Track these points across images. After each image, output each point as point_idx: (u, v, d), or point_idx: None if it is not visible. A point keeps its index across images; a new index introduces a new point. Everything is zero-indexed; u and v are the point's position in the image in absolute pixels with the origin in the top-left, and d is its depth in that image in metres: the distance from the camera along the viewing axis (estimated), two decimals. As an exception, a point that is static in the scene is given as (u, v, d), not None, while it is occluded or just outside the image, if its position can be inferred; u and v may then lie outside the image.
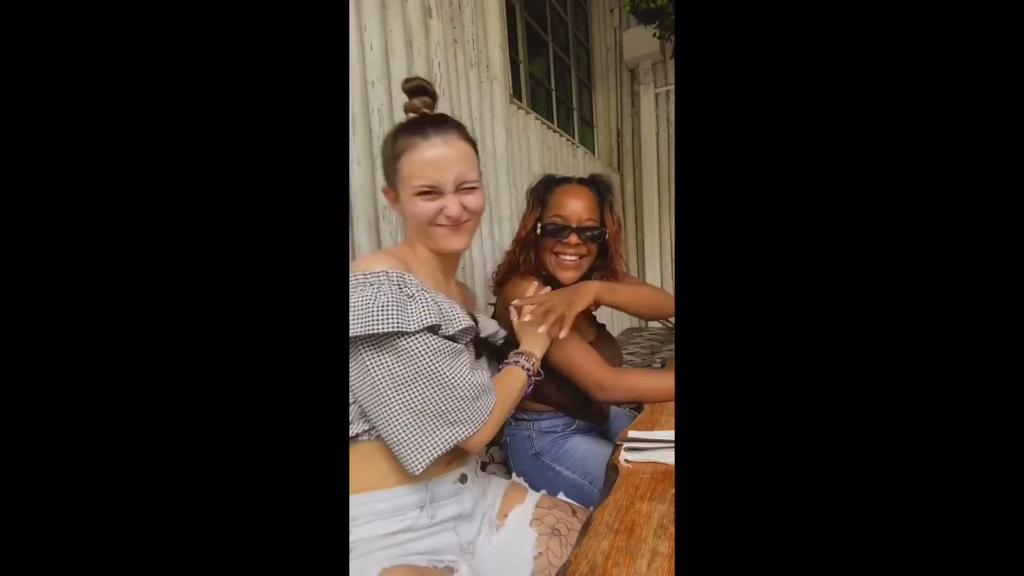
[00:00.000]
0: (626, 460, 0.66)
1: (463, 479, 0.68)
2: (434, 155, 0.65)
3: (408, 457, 0.56)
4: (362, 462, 0.61)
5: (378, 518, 0.60)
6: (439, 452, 0.57)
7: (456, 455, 0.67)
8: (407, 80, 0.72)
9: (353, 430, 0.61)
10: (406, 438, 0.56)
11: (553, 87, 3.33)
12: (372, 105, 1.40)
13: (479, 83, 2.10)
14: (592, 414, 1.11)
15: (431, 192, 0.66)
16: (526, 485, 0.83)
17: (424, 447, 0.56)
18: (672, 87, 4.26)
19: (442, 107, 1.77)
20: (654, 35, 3.37)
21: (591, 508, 0.84)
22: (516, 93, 2.64)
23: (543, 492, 0.79)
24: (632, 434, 0.73)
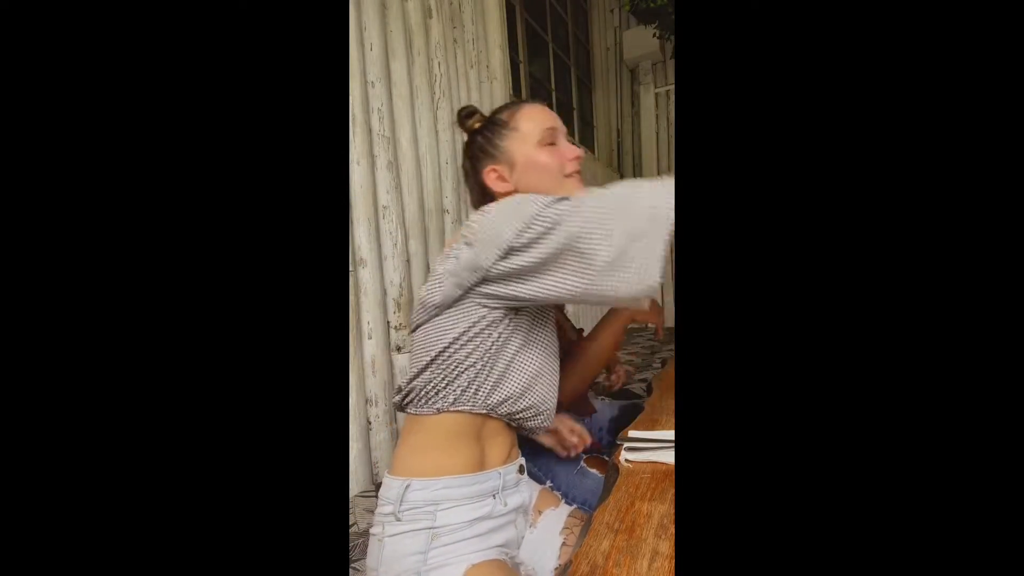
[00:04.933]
0: (626, 460, 0.66)
1: (521, 470, 0.70)
2: (542, 109, 0.75)
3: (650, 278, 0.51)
4: (448, 441, 0.61)
5: (462, 503, 0.60)
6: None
7: (515, 443, 0.69)
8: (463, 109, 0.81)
9: (437, 404, 0.61)
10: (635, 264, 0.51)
11: (553, 87, 3.33)
12: (372, 105, 1.40)
13: (479, 83, 2.11)
14: (582, 405, 1.13)
15: (552, 143, 0.72)
16: (559, 495, 0.83)
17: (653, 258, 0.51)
18: (672, 87, 4.27)
19: (442, 107, 1.78)
20: (654, 35, 3.37)
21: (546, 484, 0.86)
22: (516, 93, 2.64)
23: (575, 505, 0.79)
24: (632, 434, 0.73)
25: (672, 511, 0.53)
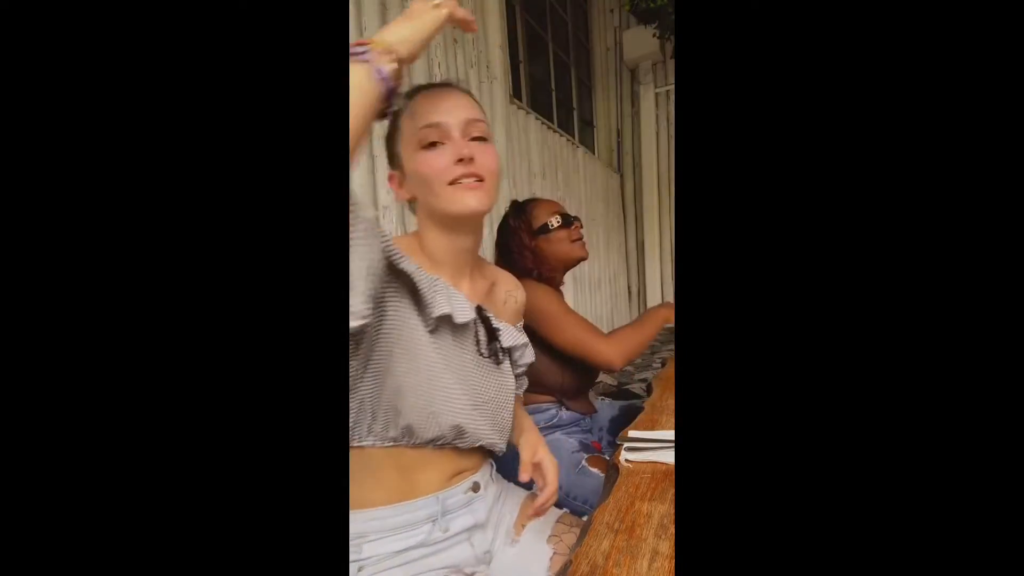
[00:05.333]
0: (626, 460, 0.66)
1: (475, 488, 0.66)
2: (436, 98, 0.60)
3: None
4: (369, 475, 0.60)
5: (390, 534, 0.59)
6: None
7: (467, 463, 0.66)
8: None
9: (357, 438, 0.60)
10: None
11: (553, 87, 3.34)
12: (372, 105, 1.40)
13: (479, 83, 2.11)
14: (583, 404, 1.14)
15: (437, 143, 0.58)
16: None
17: None
18: (672, 87, 4.27)
19: (442, 107, 1.77)
20: (654, 35, 3.38)
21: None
22: (516, 93, 2.64)
23: (565, 510, 0.76)
24: (632, 434, 0.73)
25: (672, 511, 0.53)
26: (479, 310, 0.66)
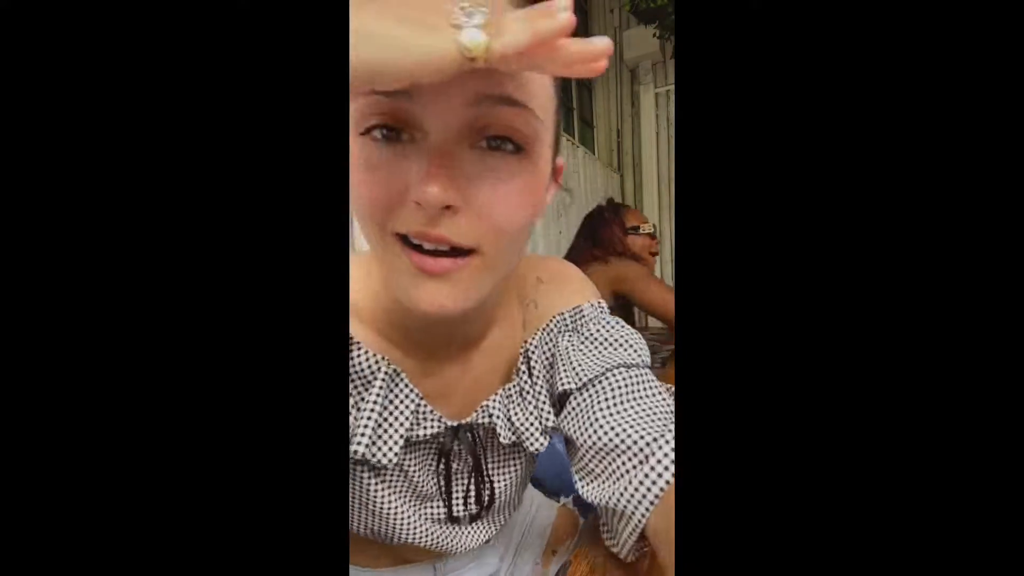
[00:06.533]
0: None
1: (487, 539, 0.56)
2: None
3: None
4: (352, 543, 0.52)
5: None
6: None
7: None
8: None
9: None
10: None
11: (553, 87, 3.32)
12: (372, 105, 1.39)
13: (479, 83, 2.09)
14: None
15: (395, 131, 0.29)
16: (577, 511, 0.73)
17: None
18: (672, 87, 4.26)
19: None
20: (654, 35, 3.37)
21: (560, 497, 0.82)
22: (516, 93, 2.63)
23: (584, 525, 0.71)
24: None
25: (672, 511, 0.53)
26: (457, 432, 0.41)
